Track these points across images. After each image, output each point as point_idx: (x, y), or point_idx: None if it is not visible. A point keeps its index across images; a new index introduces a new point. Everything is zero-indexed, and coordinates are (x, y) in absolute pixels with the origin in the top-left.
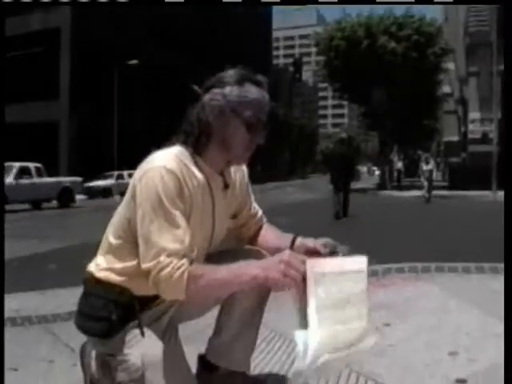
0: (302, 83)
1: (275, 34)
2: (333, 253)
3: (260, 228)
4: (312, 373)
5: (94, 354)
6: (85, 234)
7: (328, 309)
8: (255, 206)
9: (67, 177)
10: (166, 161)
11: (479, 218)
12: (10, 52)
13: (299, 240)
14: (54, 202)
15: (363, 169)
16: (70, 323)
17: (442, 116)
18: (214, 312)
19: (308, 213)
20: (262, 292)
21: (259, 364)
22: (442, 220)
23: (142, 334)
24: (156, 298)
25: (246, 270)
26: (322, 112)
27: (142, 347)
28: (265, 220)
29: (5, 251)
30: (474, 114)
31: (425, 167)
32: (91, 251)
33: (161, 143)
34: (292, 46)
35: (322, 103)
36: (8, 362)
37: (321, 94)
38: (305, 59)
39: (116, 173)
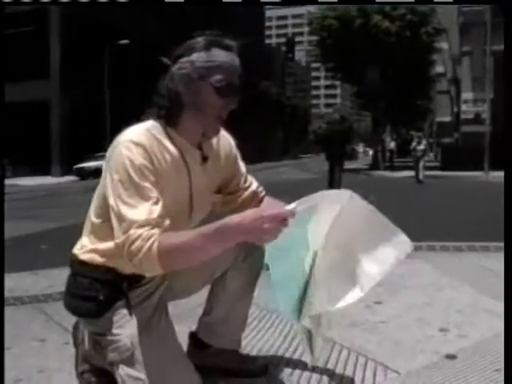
0: (295, 63)
1: (268, 13)
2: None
3: (261, 200)
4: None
5: (86, 332)
6: (76, 215)
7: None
8: (250, 179)
9: None
10: (134, 134)
11: (471, 198)
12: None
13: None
14: None
15: (359, 148)
16: (61, 303)
17: (434, 96)
18: (205, 291)
19: (301, 192)
20: (252, 270)
21: (250, 342)
22: (435, 200)
23: (130, 313)
24: (144, 276)
25: (215, 236)
26: (314, 92)
27: (131, 327)
28: (263, 193)
29: None
30: (466, 95)
31: (417, 146)
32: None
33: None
34: (285, 26)
35: (314, 83)
36: None
37: (314, 74)
38: (297, 39)
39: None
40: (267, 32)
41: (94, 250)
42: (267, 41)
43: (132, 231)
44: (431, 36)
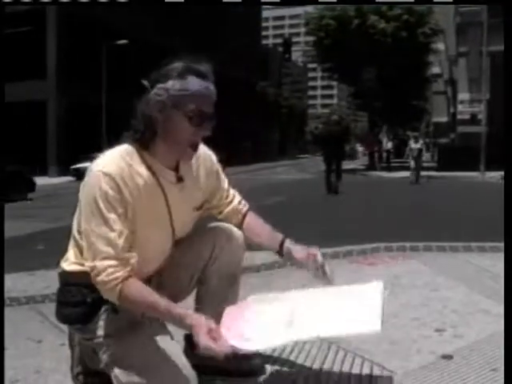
0: (292, 63)
1: (265, 14)
2: (322, 268)
3: (244, 215)
4: None
5: (78, 339)
6: (73, 216)
7: None
8: (232, 193)
9: None
10: (105, 164)
11: (467, 198)
12: None
13: (287, 244)
14: None
15: (359, 148)
16: None
17: (431, 97)
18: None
19: (298, 192)
20: (230, 265)
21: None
22: (431, 200)
23: (118, 315)
24: None
25: (171, 313)
26: (311, 92)
27: (120, 329)
28: (246, 207)
29: None
30: (463, 95)
31: (413, 146)
32: None
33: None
34: (282, 26)
35: (311, 84)
36: None
37: (310, 74)
38: (294, 39)
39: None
40: (264, 32)
41: (78, 263)
42: (264, 41)
43: (97, 263)
44: (428, 37)
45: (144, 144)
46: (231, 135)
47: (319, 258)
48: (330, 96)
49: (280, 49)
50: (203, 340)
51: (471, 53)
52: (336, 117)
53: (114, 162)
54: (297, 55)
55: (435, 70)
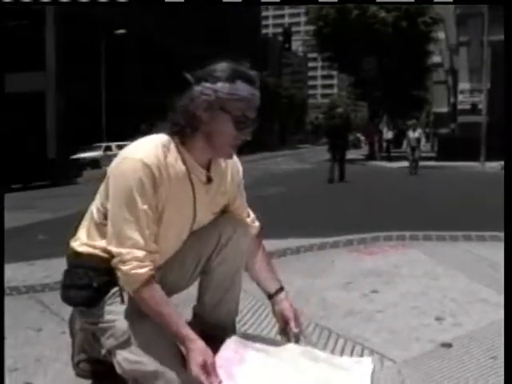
0: (292, 53)
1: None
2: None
3: (253, 237)
4: None
5: (81, 323)
6: (73, 205)
7: None
8: (247, 210)
9: None
10: (145, 153)
11: (467, 188)
12: None
13: (281, 296)
14: None
15: (362, 138)
16: (58, 293)
17: (431, 86)
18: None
19: (298, 182)
20: (236, 255)
21: (246, 330)
22: (431, 190)
23: (122, 300)
24: None
25: (176, 334)
26: (311, 82)
27: (125, 312)
28: (257, 229)
29: None
30: (463, 85)
31: (411, 135)
32: (79, 223)
33: (149, 117)
34: (281, 16)
35: (311, 73)
36: None
37: (310, 64)
38: (294, 29)
39: (104, 144)
40: (264, 22)
41: (90, 245)
42: (264, 31)
43: (125, 250)
44: (428, 26)
45: (182, 138)
46: None
47: (299, 328)
48: (330, 86)
49: (280, 38)
50: (195, 369)
51: (472, 42)
52: (341, 109)
53: (153, 152)
54: (297, 45)
55: (436, 59)
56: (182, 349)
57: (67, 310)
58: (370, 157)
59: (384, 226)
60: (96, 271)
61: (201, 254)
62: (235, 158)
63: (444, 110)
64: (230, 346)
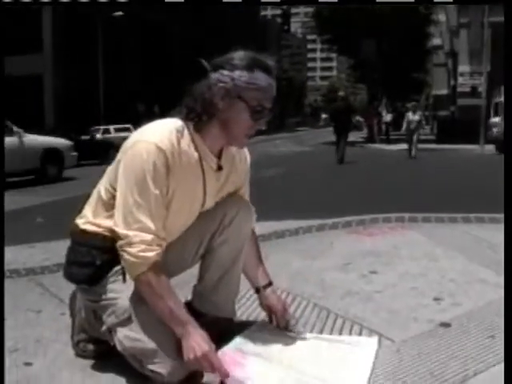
0: (291, 35)
1: None
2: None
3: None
4: None
5: (83, 301)
6: (72, 188)
7: None
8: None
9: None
10: (160, 137)
11: (467, 170)
12: None
13: (269, 291)
14: None
15: (361, 120)
16: (58, 275)
17: (431, 69)
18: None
19: (297, 164)
20: (239, 234)
21: (245, 312)
22: (430, 173)
23: (125, 279)
24: None
25: (178, 321)
26: (310, 65)
27: (127, 290)
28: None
29: None
30: (463, 67)
31: (411, 117)
32: (79, 205)
33: (146, 99)
34: None
35: (310, 55)
36: None
37: (309, 46)
38: (293, 10)
39: (102, 128)
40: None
41: (95, 223)
42: (262, 12)
43: (132, 232)
44: (428, 8)
45: (197, 125)
46: None
47: (291, 315)
48: (330, 68)
49: (279, 20)
50: (195, 360)
51: (472, 24)
52: (343, 93)
53: (167, 136)
54: (296, 26)
55: (436, 41)
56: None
57: (67, 292)
58: (370, 139)
59: (383, 208)
60: (99, 249)
61: (203, 234)
62: (245, 149)
63: (444, 92)
64: (228, 353)
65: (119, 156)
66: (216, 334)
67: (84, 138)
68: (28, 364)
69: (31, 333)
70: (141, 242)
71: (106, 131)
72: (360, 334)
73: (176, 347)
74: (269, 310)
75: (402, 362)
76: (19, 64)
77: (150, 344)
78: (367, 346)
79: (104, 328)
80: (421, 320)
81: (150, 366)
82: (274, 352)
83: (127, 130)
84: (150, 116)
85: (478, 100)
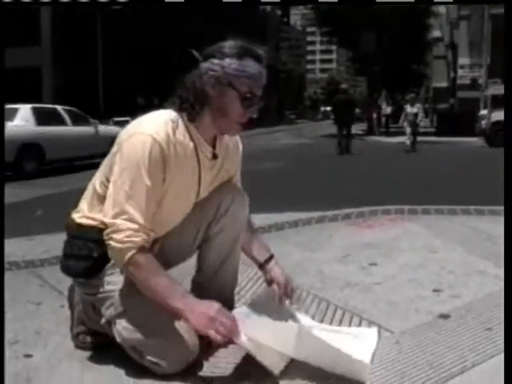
0: (290, 27)
1: None
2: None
3: None
4: None
5: (81, 295)
6: (71, 181)
7: None
8: (240, 186)
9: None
10: (156, 129)
11: (466, 163)
12: None
13: (272, 264)
14: None
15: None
16: (57, 267)
17: (431, 61)
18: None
19: (297, 156)
20: (235, 223)
21: (246, 303)
22: (430, 165)
23: (122, 271)
24: None
25: (175, 297)
26: (310, 57)
27: (126, 286)
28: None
29: None
30: (463, 60)
31: (409, 109)
32: (78, 198)
33: (147, 93)
34: None
35: (310, 48)
36: None
37: (309, 38)
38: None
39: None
40: None
41: (91, 217)
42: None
43: (120, 221)
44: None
45: (191, 115)
46: None
47: (293, 289)
48: (329, 61)
49: (278, 12)
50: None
51: (473, 16)
52: (345, 85)
53: (162, 128)
54: (295, 19)
55: (436, 33)
56: (182, 320)
57: (66, 285)
58: (369, 132)
59: (382, 200)
60: (96, 242)
61: (200, 223)
62: (237, 137)
63: (443, 85)
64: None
65: (114, 148)
66: None
67: None
68: (28, 356)
69: (31, 325)
70: (127, 229)
71: (106, 124)
72: (359, 325)
73: (176, 336)
74: (272, 283)
75: (401, 353)
76: (18, 56)
77: (150, 334)
78: (367, 336)
79: (103, 321)
80: (420, 311)
81: (150, 357)
82: (276, 322)
83: (126, 123)
84: (150, 109)
85: (477, 92)
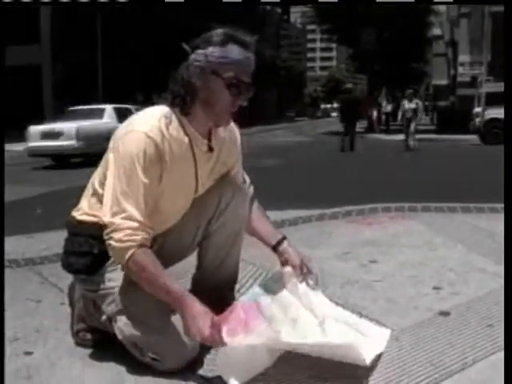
0: (290, 25)
1: None
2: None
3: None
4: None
5: (81, 292)
6: (71, 178)
7: None
8: (243, 176)
9: None
10: (149, 126)
11: (466, 160)
12: None
13: (285, 245)
14: None
15: None
16: (57, 265)
17: (431, 59)
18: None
19: (297, 154)
20: (235, 220)
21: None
22: (430, 162)
23: (123, 268)
24: None
25: (174, 296)
26: (310, 55)
27: (127, 282)
28: (252, 193)
29: None
30: (463, 57)
31: (407, 105)
32: (77, 195)
33: (146, 89)
34: None
35: (310, 46)
36: None
37: (309, 36)
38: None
39: None
40: None
41: (91, 214)
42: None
43: (118, 220)
44: None
45: (183, 109)
46: None
47: (310, 266)
48: (329, 58)
49: (278, 10)
50: (198, 333)
51: (473, 13)
52: (350, 85)
53: (156, 125)
54: (295, 16)
55: (436, 31)
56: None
57: (66, 282)
58: (369, 129)
59: (382, 198)
60: (97, 239)
61: (200, 219)
62: (233, 125)
63: (444, 82)
64: (245, 304)
65: (110, 146)
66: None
67: None
68: (28, 353)
69: (31, 322)
70: (127, 228)
71: None
72: None
73: (177, 333)
74: (287, 264)
75: (401, 351)
76: (17, 54)
77: (151, 331)
78: (377, 337)
79: (104, 317)
80: (420, 309)
81: (151, 354)
82: (289, 305)
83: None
84: (149, 105)
85: (477, 90)
